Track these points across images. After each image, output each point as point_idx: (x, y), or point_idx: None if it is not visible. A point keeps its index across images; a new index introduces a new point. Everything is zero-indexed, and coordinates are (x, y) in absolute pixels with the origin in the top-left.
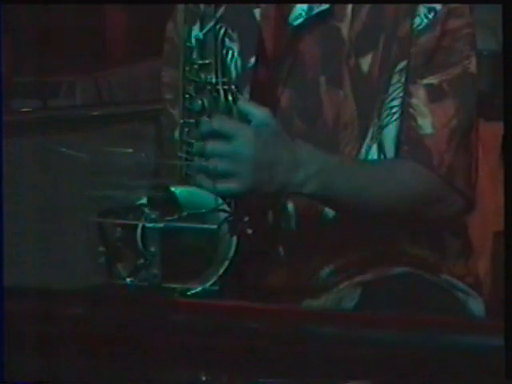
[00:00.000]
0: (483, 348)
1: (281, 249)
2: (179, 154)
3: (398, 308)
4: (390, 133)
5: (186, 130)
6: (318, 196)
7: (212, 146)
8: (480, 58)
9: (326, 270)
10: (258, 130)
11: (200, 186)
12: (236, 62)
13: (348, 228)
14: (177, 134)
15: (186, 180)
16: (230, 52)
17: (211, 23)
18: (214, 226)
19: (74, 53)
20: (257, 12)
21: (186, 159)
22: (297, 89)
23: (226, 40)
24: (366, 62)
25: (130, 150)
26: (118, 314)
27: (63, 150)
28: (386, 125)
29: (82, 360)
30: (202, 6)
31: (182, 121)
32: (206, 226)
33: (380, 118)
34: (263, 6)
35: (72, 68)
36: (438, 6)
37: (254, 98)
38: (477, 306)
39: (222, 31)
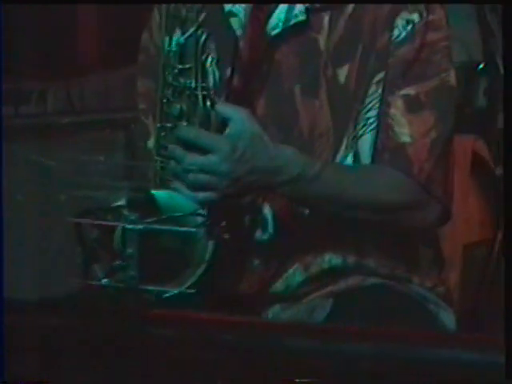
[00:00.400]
0: (455, 362)
1: (255, 255)
2: (155, 158)
3: (369, 319)
4: (366, 143)
5: (163, 134)
6: (298, 199)
7: (189, 158)
8: (451, 40)
9: (297, 279)
10: (236, 141)
11: (177, 192)
12: (213, 69)
13: (322, 237)
14: (151, 142)
15: (161, 184)
16: (209, 59)
17: (193, 28)
18: (193, 229)
19: (45, 59)
20: (234, 21)
21: (162, 163)
22: (272, 98)
23: (207, 46)
24: (342, 73)
25: (101, 158)
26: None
27: (34, 157)
28: (362, 135)
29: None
30: (183, 10)
31: (158, 125)
32: (185, 229)
33: (356, 128)
34: (241, 15)
35: (43, 75)
36: (416, 19)
37: (237, 102)
38: (447, 317)
39: (204, 36)
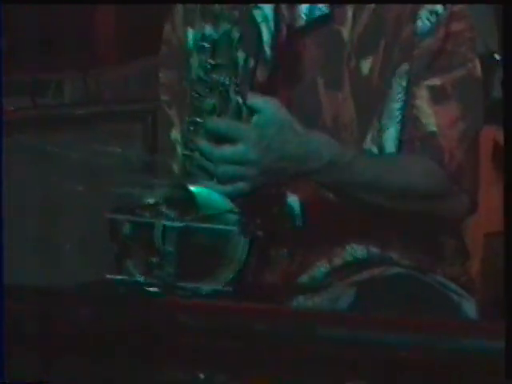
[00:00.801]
0: (481, 350)
1: (283, 246)
2: (184, 152)
3: (392, 309)
4: (391, 135)
5: (192, 128)
6: (331, 187)
7: (217, 150)
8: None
9: (322, 270)
10: (263, 129)
11: (207, 186)
12: (243, 64)
13: (348, 228)
14: (174, 134)
15: (188, 178)
16: (242, 55)
17: (227, 25)
18: (231, 228)
19: (63, 51)
20: (257, 14)
21: (189, 157)
22: (296, 90)
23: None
24: (366, 65)
25: (119, 150)
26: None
27: (56, 149)
28: (387, 128)
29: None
30: (217, 6)
31: (188, 119)
32: (223, 227)
33: (380, 120)
34: (264, 7)
35: (61, 66)
36: (440, 9)
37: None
38: (470, 307)
39: (238, 34)
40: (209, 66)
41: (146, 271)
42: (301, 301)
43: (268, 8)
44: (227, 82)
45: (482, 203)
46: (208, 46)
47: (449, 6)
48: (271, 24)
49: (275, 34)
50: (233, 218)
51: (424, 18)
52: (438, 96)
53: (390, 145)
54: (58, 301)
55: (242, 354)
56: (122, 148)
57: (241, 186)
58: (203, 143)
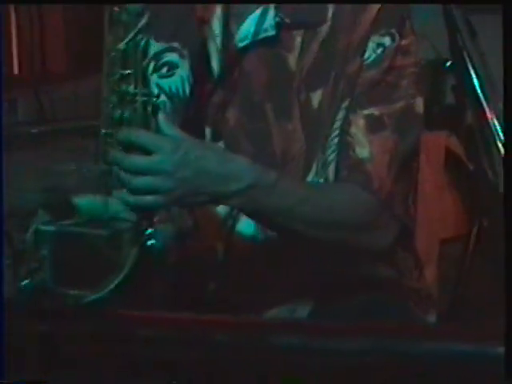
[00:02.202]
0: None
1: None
2: (100, 165)
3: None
4: (332, 166)
5: (109, 140)
6: (252, 212)
7: (130, 160)
8: (421, 66)
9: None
10: (178, 141)
11: (119, 198)
12: (183, 76)
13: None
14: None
15: (107, 191)
16: (177, 67)
17: (132, 34)
18: (105, 233)
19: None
20: (206, 29)
21: (105, 170)
22: (244, 110)
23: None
24: (316, 98)
25: (73, 166)
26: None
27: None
28: (332, 161)
29: None
30: (125, 15)
31: (103, 131)
32: (95, 231)
33: (325, 153)
34: (213, 24)
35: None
36: (387, 42)
37: (201, 113)
38: (428, 313)
39: (143, 42)
40: (118, 76)
41: (27, 276)
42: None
43: (216, 24)
44: (132, 92)
45: (436, 209)
46: (117, 55)
47: (396, 39)
48: (217, 40)
49: (221, 50)
50: (123, 225)
51: (371, 50)
52: (373, 125)
53: (332, 176)
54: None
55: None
56: (77, 164)
57: (155, 198)
58: (114, 152)
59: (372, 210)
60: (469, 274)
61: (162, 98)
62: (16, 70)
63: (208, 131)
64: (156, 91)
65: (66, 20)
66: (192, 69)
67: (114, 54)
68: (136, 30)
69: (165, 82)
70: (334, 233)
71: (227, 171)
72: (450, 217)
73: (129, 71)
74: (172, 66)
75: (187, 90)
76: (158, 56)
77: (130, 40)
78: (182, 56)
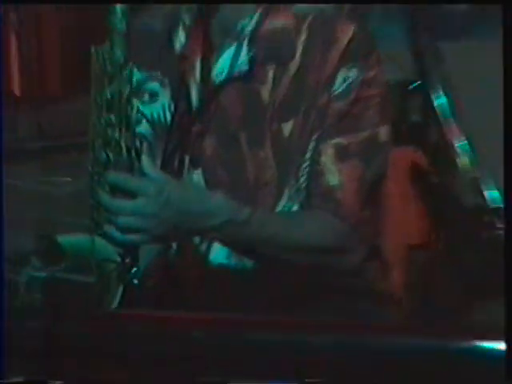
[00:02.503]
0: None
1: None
2: (90, 202)
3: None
4: (303, 193)
5: (96, 178)
6: (225, 242)
7: (117, 203)
8: (389, 86)
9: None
10: (161, 184)
11: (107, 236)
12: (164, 104)
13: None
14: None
15: (95, 228)
16: (158, 95)
17: (116, 84)
18: (91, 280)
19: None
20: (184, 62)
21: (93, 205)
22: (220, 139)
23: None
24: (287, 128)
25: (68, 179)
26: None
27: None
28: (304, 188)
29: None
30: (109, 65)
31: (91, 169)
32: (82, 278)
33: (298, 181)
34: (190, 56)
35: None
36: (354, 75)
37: (181, 142)
38: (395, 314)
39: (127, 91)
40: (103, 121)
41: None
42: None
43: (195, 59)
44: (117, 137)
45: (402, 218)
46: (103, 102)
47: (362, 72)
48: (196, 73)
49: (199, 83)
50: (109, 266)
51: (339, 83)
52: (342, 154)
53: (305, 202)
54: None
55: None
56: (72, 178)
57: (139, 236)
58: (101, 195)
59: (342, 235)
60: (431, 278)
61: (144, 124)
62: (16, 89)
63: (187, 159)
64: (138, 118)
65: (62, 40)
66: (173, 98)
67: (99, 100)
68: (120, 81)
69: (147, 109)
70: (306, 257)
71: (205, 209)
72: (415, 226)
73: (113, 117)
74: (153, 94)
75: (168, 118)
76: (140, 84)
77: (116, 89)
78: (163, 85)
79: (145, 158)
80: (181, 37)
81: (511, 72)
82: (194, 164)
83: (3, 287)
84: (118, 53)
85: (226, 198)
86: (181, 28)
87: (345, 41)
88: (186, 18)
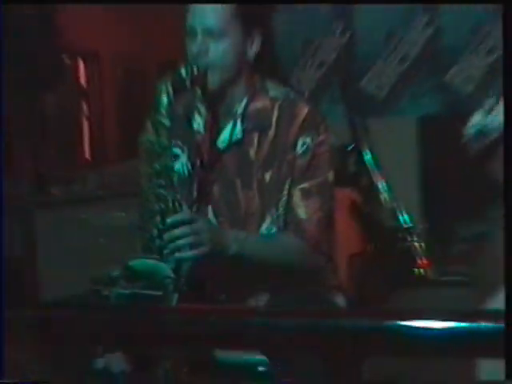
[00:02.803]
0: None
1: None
2: (153, 231)
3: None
4: (281, 220)
5: (159, 217)
6: (238, 256)
7: (180, 230)
8: (334, 147)
9: None
10: (204, 220)
11: (170, 256)
12: (183, 163)
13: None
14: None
15: (149, 250)
16: (179, 157)
17: (165, 158)
18: (160, 293)
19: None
20: (197, 135)
21: (157, 237)
22: (223, 186)
23: (178, 156)
24: (268, 175)
25: (123, 214)
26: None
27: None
28: (282, 217)
29: None
30: (158, 147)
31: (158, 208)
32: (153, 292)
33: (277, 212)
34: (201, 131)
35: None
36: (309, 140)
37: (201, 191)
38: (341, 301)
39: (171, 162)
40: (154, 186)
41: None
42: None
43: (207, 133)
44: (166, 196)
45: (345, 238)
46: (155, 171)
47: (315, 137)
48: (206, 142)
49: (208, 148)
50: (167, 282)
51: (300, 146)
52: (306, 194)
53: (282, 226)
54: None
55: None
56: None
57: (194, 252)
58: (172, 231)
59: (306, 251)
60: (366, 275)
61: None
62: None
63: (204, 200)
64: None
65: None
66: (189, 159)
67: (149, 172)
68: (169, 155)
69: (175, 166)
70: (282, 265)
71: (221, 237)
72: (354, 241)
73: (164, 184)
74: (176, 156)
75: (186, 173)
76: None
77: (164, 162)
78: (182, 150)
79: (184, 207)
80: (197, 119)
81: (511, 73)
82: (206, 204)
83: (3, 287)
84: (164, 141)
85: (231, 230)
86: (196, 113)
87: (302, 117)
88: (201, 107)
